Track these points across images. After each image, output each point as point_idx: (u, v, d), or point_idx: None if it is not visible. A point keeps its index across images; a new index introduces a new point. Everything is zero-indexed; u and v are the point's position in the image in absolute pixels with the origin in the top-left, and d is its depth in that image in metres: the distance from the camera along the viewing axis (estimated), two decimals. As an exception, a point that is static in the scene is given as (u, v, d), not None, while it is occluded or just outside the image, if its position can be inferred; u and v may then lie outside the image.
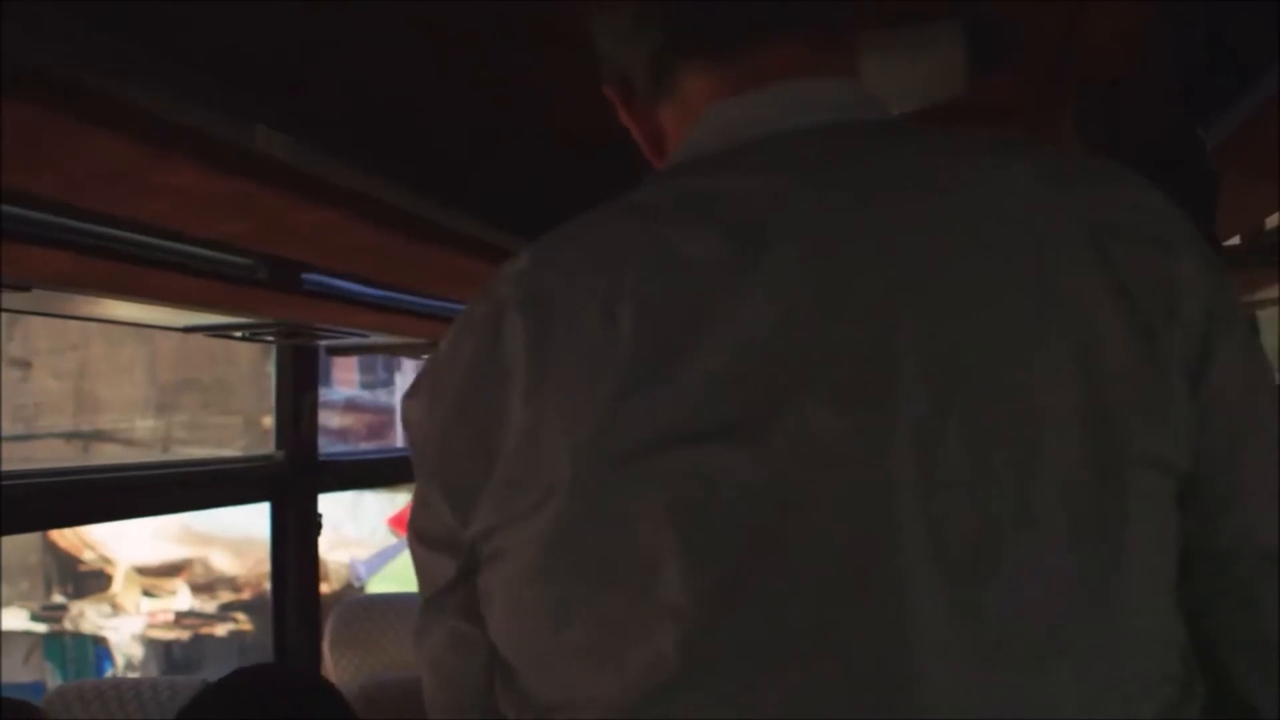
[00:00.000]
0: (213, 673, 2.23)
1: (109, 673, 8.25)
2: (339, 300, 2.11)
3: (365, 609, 2.89)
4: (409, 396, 0.95)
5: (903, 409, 0.80)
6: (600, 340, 0.84)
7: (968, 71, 1.83)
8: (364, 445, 10.63)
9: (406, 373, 13.15)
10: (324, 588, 2.95)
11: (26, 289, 1.62)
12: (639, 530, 0.82)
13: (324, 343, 2.80)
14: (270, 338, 2.63)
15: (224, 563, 9.55)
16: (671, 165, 0.98)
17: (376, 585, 8.59)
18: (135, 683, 1.95)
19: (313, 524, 2.92)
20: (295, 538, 2.88)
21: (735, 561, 0.81)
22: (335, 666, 2.77)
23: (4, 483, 2.13)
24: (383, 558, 9.02)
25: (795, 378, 0.81)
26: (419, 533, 0.95)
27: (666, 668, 0.82)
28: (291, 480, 2.86)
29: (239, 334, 2.42)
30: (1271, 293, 3.26)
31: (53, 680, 8.00)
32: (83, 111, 1.00)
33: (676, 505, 0.81)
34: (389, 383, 12.77)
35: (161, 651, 8.89)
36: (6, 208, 1.33)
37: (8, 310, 1.89)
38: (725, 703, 0.81)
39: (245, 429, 10.85)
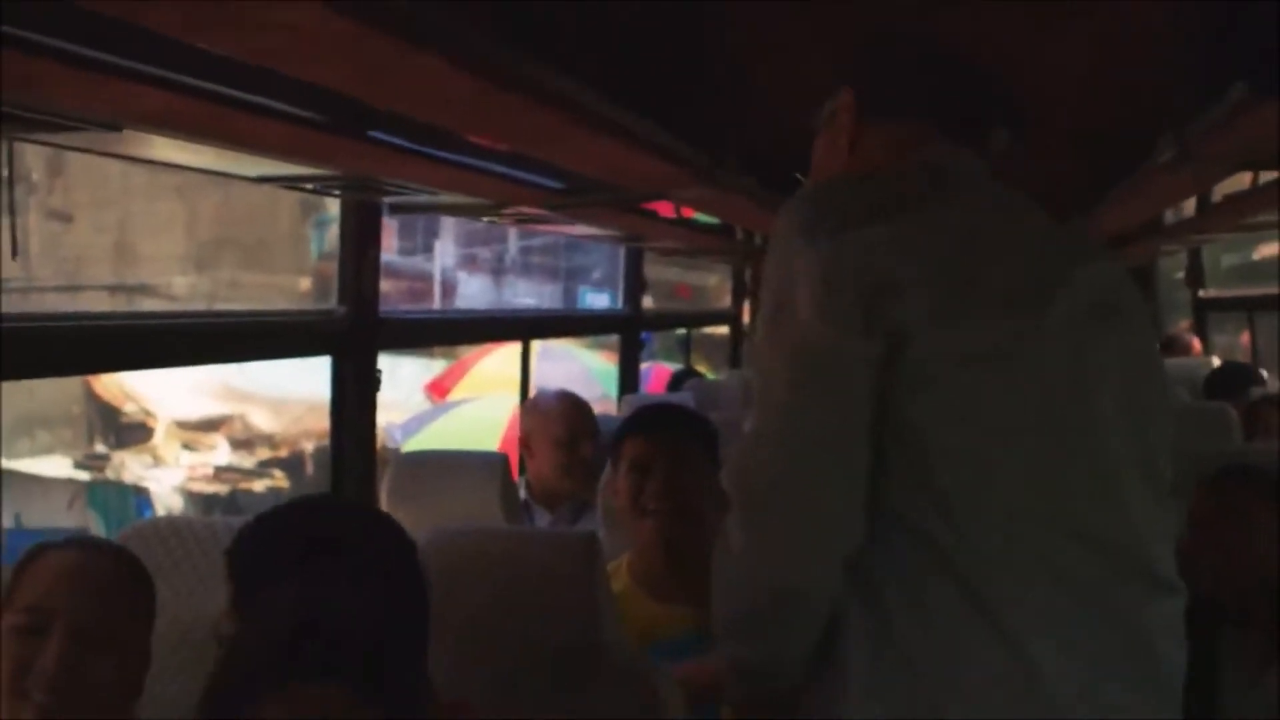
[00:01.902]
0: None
1: (150, 522, 8.39)
2: (415, 155, 2.11)
3: (423, 463, 2.93)
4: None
5: None
6: None
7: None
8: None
9: (445, 240, 13.16)
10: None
11: (118, 129, 1.63)
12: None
13: (389, 199, 2.80)
14: (338, 191, 2.63)
15: (262, 420, 9.68)
16: (932, 168, 1.51)
17: (410, 449, 8.68)
18: (210, 523, 1.98)
19: (372, 380, 2.94)
20: (354, 393, 2.90)
21: None
22: (392, 520, 2.81)
23: (69, 324, 2.15)
24: (419, 421, 9.11)
25: None
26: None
27: None
28: (352, 336, 2.88)
29: (309, 186, 2.42)
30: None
31: (96, 527, 8.15)
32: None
33: None
34: (428, 249, 12.79)
35: (201, 504, 9.06)
36: (101, 50, 1.33)
37: (95, 153, 1.89)
38: None
39: (282, 289, 10.91)
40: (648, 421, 2.44)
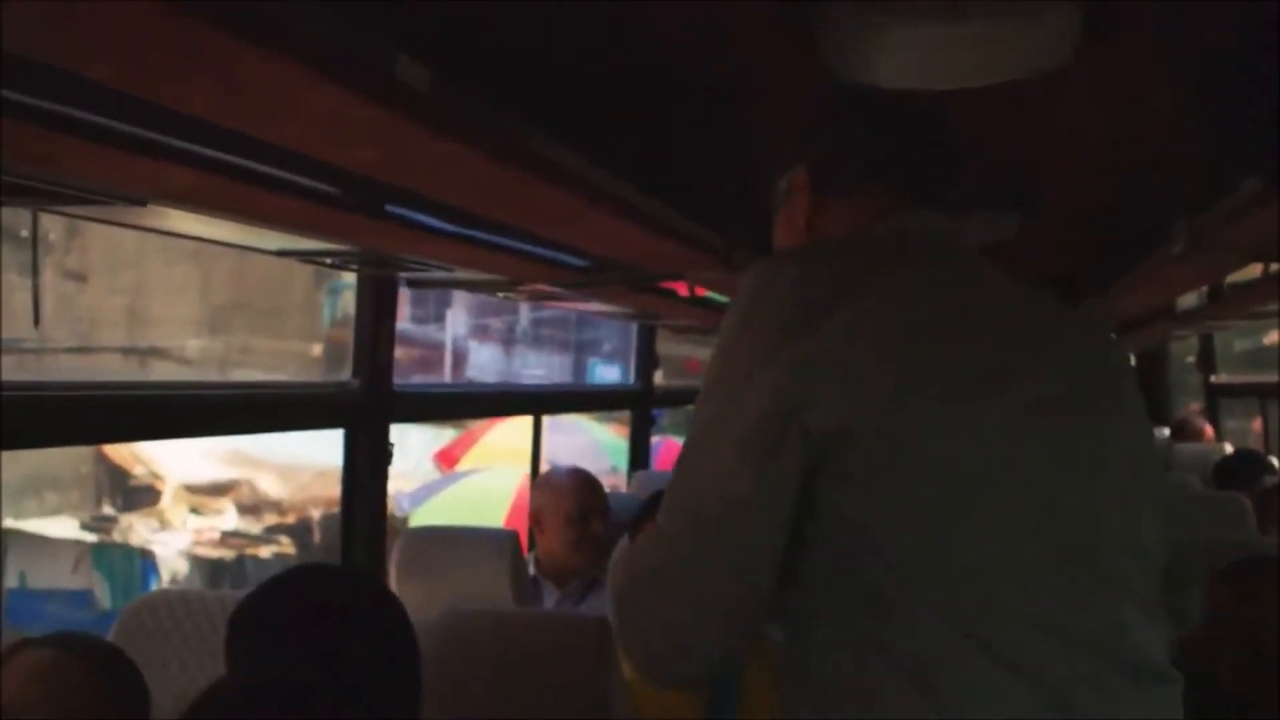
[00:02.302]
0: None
1: (154, 585, 8.37)
2: (433, 233, 2.13)
3: (433, 538, 2.92)
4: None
5: None
6: None
7: (1077, 45, 1.83)
8: (414, 379, 10.66)
9: (457, 310, 13.20)
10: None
11: (143, 203, 1.64)
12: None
13: (406, 275, 2.82)
14: (356, 266, 2.65)
15: (270, 486, 9.66)
16: (898, 234, 1.45)
17: (419, 518, 8.68)
18: (220, 596, 1.98)
19: (385, 452, 2.95)
20: (367, 465, 2.91)
21: None
22: (400, 595, 2.80)
23: (82, 393, 2.16)
24: (426, 491, 9.09)
25: None
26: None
27: None
28: (366, 408, 2.89)
29: (328, 260, 2.44)
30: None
31: (101, 590, 8.11)
32: (244, 30, 1.01)
33: None
34: (440, 319, 12.82)
35: (206, 569, 9.02)
36: (130, 126, 1.35)
37: (116, 224, 1.91)
38: None
39: (295, 355, 10.93)
40: None
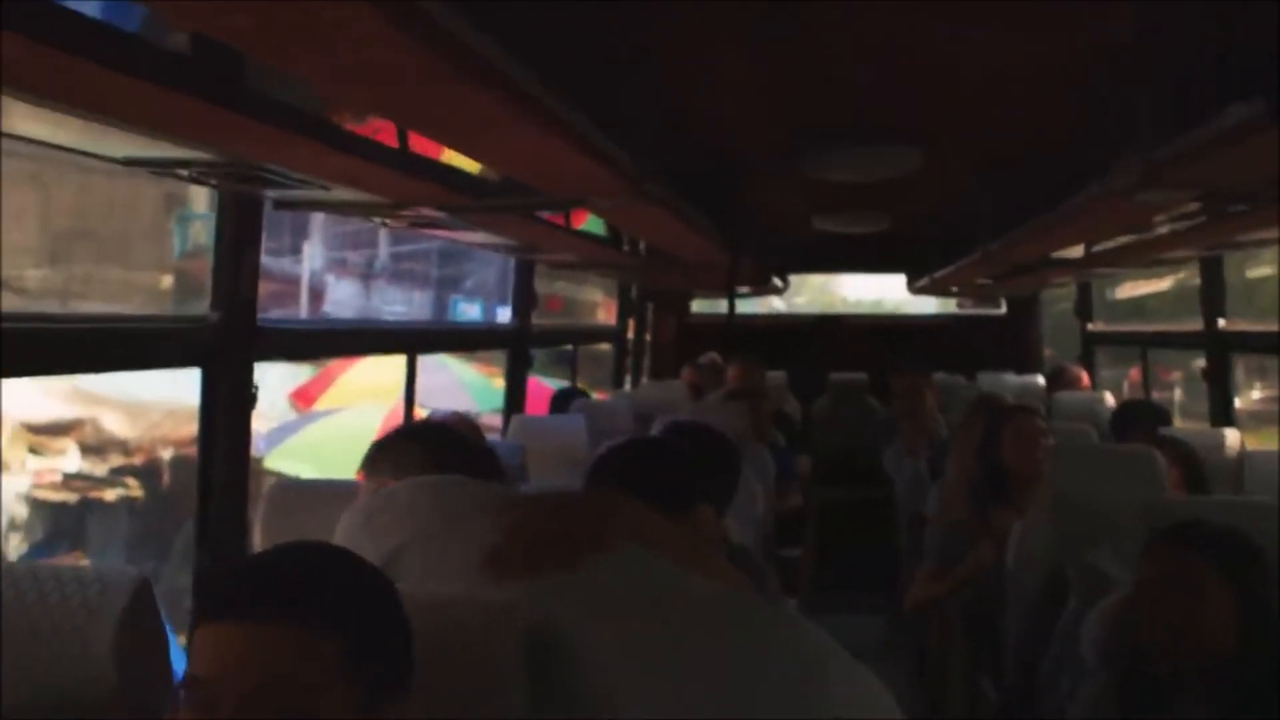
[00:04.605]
0: (100, 539, 1.92)
1: (-11, 530, 7.88)
2: (307, 136, 1.81)
3: (300, 492, 2.60)
4: None
5: None
6: None
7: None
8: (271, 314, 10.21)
9: (314, 242, 12.71)
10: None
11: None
12: None
13: (273, 193, 2.48)
14: (216, 180, 2.31)
15: (116, 425, 9.18)
16: None
17: (274, 460, 8.33)
18: (55, 570, 1.66)
19: (247, 395, 2.63)
20: (227, 409, 2.57)
21: None
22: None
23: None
24: (283, 432, 8.73)
25: None
26: None
27: None
28: (227, 345, 2.56)
29: (184, 171, 2.10)
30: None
31: (-70, 536, 7.59)
32: None
33: None
34: (297, 250, 12.34)
35: (47, 513, 8.53)
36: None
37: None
38: None
39: (142, 286, 10.42)
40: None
